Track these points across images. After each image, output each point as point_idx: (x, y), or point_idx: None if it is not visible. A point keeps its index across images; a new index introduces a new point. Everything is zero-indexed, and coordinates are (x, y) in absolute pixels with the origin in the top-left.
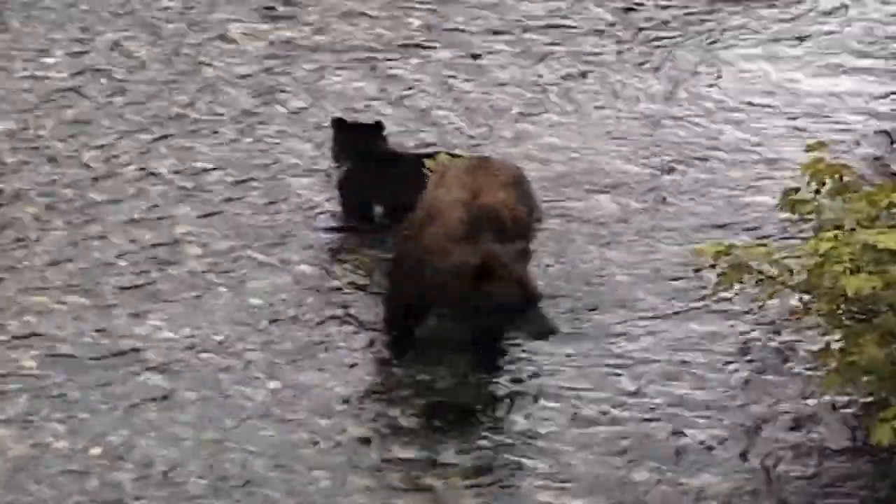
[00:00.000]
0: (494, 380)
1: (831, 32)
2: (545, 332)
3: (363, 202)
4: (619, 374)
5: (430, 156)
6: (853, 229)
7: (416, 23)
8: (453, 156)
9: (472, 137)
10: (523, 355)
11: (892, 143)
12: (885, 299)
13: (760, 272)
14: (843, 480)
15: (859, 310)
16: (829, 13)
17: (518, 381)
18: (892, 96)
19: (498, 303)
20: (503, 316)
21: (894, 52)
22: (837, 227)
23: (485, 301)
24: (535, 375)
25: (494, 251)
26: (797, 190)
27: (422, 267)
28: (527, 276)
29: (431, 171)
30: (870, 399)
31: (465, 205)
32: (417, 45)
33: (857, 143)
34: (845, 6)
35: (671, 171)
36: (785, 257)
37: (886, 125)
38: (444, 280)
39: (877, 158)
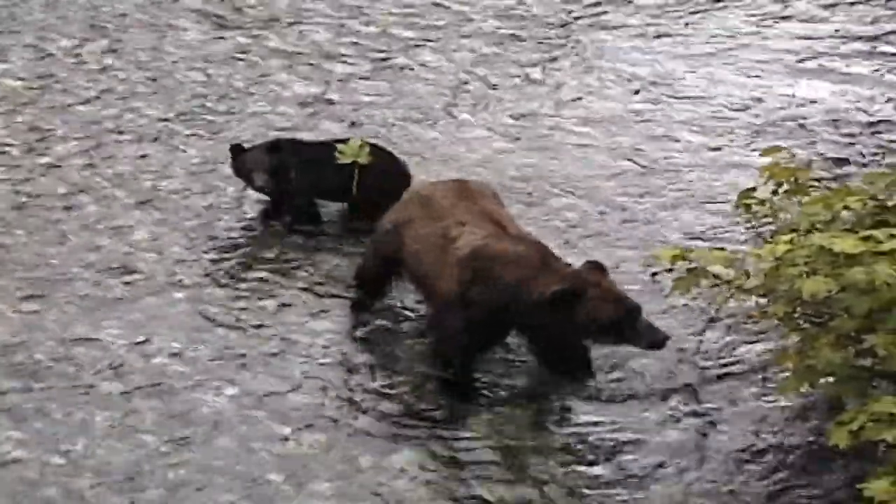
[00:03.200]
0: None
1: (786, 38)
2: (658, 341)
3: (312, 204)
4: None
5: (343, 141)
6: (809, 232)
7: None
8: (365, 144)
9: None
10: (479, 362)
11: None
12: (840, 302)
13: (717, 276)
14: (799, 482)
15: (815, 313)
16: (785, 18)
17: (476, 386)
18: (848, 99)
19: (600, 322)
20: (613, 333)
21: (848, 54)
22: (793, 231)
23: (585, 322)
24: (494, 380)
25: (580, 274)
26: (754, 190)
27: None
28: (622, 291)
29: (342, 155)
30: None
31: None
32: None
33: (812, 144)
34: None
35: (627, 174)
36: (741, 260)
37: (843, 127)
38: (534, 308)
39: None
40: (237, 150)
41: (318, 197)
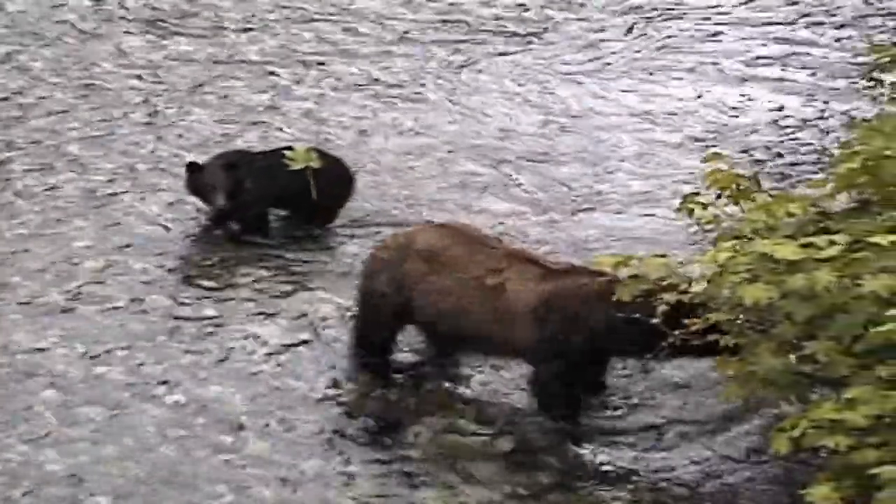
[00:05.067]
0: (398, 393)
1: (716, 48)
2: None
3: (262, 213)
4: (520, 389)
5: (289, 148)
6: (751, 239)
7: None
8: (312, 149)
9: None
10: (425, 369)
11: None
12: (782, 309)
13: (659, 283)
14: (743, 490)
15: (757, 319)
16: (715, 32)
17: (420, 394)
18: (780, 107)
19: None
20: None
21: (780, 59)
22: (736, 238)
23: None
24: (437, 388)
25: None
26: (696, 194)
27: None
28: None
29: (292, 162)
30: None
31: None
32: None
33: (748, 153)
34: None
35: (569, 181)
36: (683, 267)
37: (775, 134)
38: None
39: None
40: (194, 168)
41: (273, 206)
